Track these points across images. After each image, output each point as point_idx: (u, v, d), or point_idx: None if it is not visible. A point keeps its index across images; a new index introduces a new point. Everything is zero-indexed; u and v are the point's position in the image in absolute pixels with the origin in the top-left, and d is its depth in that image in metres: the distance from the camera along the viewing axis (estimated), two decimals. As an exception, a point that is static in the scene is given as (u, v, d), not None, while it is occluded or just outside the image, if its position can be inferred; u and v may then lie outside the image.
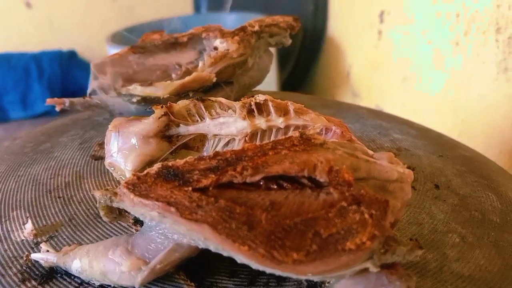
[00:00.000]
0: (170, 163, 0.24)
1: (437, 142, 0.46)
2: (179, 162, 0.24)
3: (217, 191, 0.23)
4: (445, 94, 0.97)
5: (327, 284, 0.24)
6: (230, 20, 1.73)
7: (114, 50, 1.36)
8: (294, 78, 1.66)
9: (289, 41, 0.48)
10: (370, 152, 0.26)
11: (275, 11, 1.62)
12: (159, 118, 0.30)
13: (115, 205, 0.25)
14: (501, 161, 0.82)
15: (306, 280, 0.26)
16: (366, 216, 0.21)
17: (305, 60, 1.65)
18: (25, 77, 1.87)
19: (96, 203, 0.31)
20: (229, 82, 0.45)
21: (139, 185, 0.23)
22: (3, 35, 1.87)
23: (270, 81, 1.50)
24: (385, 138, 0.43)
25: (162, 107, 0.30)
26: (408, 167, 0.38)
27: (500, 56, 0.79)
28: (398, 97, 1.17)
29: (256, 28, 0.44)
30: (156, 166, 0.24)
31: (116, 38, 1.49)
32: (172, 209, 0.22)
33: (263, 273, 0.25)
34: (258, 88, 0.54)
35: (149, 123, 0.30)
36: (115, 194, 0.24)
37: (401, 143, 0.43)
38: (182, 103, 0.31)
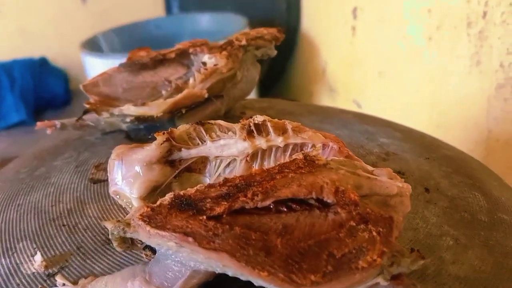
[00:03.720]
0: (181, 192, 0.25)
1: (421, 143, 0.48)
2: (191, 190, 0.25)
3: (231, 218, 0.24)
4: (420, 88, 0.99)
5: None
6: (204, 20, 1.73)
7: (88, 58, 1.34)
8: (270, 77, 1.67)
9: (275, 52, 0.49)
10: (370, 168, 0.27)
11: (247, 10, 1.63)
12: (161, 144, 0.30)
13: (128, 235, 0.25)
14: (477, 151, 0.85)
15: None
16: (374, 234, 0.23)
17: (280, 58, 1.66)
18: (-4, 87, 1.82)
19: (104, 231, 0.31)
20: (219, 96, 0.46)
21: (154, 216, 0.24)
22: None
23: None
24: (373, 143, 0.45)
25: (163, 133, 0.31)
26: (398, 172, 0.40)
27: (472, 50, 0.82)
28: (375, 92, 1.20)
29: (243, 42, 0.45)
30: (168, 196, 0.25)
31: (89, 44, 1.48)
32: (190, 239, 0.22)
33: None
34: None
35: (152, 150, 0.30)
36: (128, 225, 0.25)
37: (389, 148, 0.44)
38: (182, 128, 0.31)
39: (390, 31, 1.08)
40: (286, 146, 0.31)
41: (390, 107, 1.13)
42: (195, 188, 0.25)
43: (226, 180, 0.25)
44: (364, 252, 0.22)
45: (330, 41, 1.43)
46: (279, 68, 1.70)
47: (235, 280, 0.23)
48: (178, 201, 0.24)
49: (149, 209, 0.24)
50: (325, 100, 1.51)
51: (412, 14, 0.99)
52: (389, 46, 1.10)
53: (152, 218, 0.24)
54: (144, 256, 0.29)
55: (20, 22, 1.90)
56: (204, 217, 0.23)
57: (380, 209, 0.24)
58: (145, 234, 0.24)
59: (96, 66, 1.34)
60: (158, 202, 0.25)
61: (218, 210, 0.24)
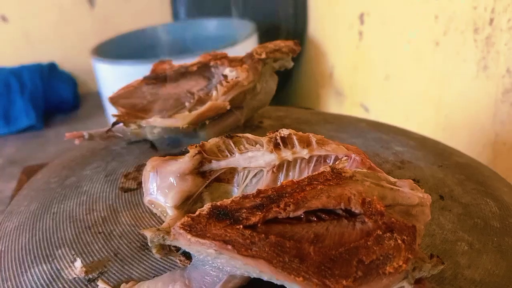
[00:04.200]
0: (218, 203, 0.27)
1: (434, 151, 0.49)
2: (227, 201, 0.27)
3: (265, 227, 0.26)
4: (427, 92, 1.01)
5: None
6: (211, 25, 1.75)
7: (99, 64, 1.37)
8: (278, 80, 1.69)
9: (291, 64, 0.51)
10: (393, 179, 0.29)
11: (254, 15, 1.65)
12: (193, 156, 0.32)
13: (168, 243, 0.27)
14: (484, 154, 0.87)
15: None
16: (399, 241, 0.25)
17: (287, 62, 1.68)
18: (6, 92, 1.85)
19: (138, 237, 0.33)
20: (239, 107, 0.48)
21: (195, 225, 0.26)
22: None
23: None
24: (388, 152, 0.47)
25: (196, 146, 0.33)
26: (414, 180, 0.41)
27: (479, 55, 0.84)
28: (382, 95, 1.22)
29: (263, 55, 0.47)
30: (206, 207, 0.27)
31: (99, 50, 1.50)
32: (229, 246, 0.24)
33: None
34: None
35: (185, 162, 0.32)
36: (168, 233, 0.27)
37: (403, 156, 0.46)
38: (212, 141, 0.33)
39: (397, 36, 1.10)
40: (310, 157, 0.33)
41: (396, 110, 1.15)
42: (230, 199, 0.27)
43: (259, 192, 0.27)
44: (391, 259, 0.24)
45: (337, 46, 1.44)
46: (286, 72, 1.72)
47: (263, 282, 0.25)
48: (216, 211, 0.26)
49: (189, 218, 0.26)
50: (332, 103, 1.53)
51: (419, 20, 1.01)
52: (396, 51, 1.11)
53: (192, 227, 0.26)
54: (179, 261, 0.31)
55: (25, 28, 1.93)
56: (241, 226, 0.25)
57: (403, 219, 0.26)
58: (186, 242, 0.26)
59: (106, 73, 1.36)
60: (197, 213, 0.27)
61: (254, 219, 0.26)
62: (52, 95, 1.91)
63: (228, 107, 0.44)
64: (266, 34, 1.63)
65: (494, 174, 0.49)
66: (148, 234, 0.28)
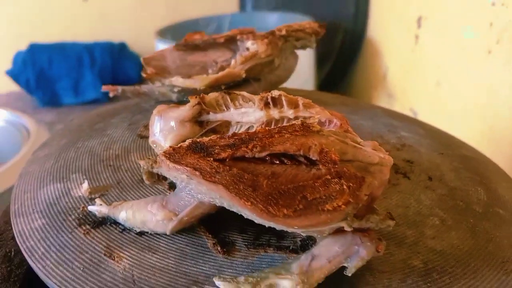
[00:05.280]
0: (198, 140, 0.31)
1: (443, 142, 0.51)
2: (205, 139, 0.31)
3: (232, 162, 0.29)
4: (475, 101, 0.99)
5: (317, 242, 0.30)
6: (273, 18, 1.79)
7: (161, 44, 1.45)
8: (331, 78, 1.71)
9: (314, 45, 0.54)
10: (359, 140, 0.32)
11: (316, 12, 1.68)
12: (193, 106, 0.37)
13: (155, 170, 0.32)
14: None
15: (300, 240, 0.32)
16: (345, 187, 0.27)
17: (343, 61, 1.70)
18: (77, 66, 1.99)
19: (140, 170, 0.38)
20: (257, 79, 0.51)
21: (174, 154, 0.30)
22: (60, 26, 2.00)
23: (308, 80, 1.56)
24: (392, 135, 0.49)
25: (196, 97, 0.37)
26: (408, 161, 0.44)
27: (530, 67, 0.82)
28: (431, 101, 1.20)
29: (283, 32, 0.50)
30: (187, 141, 0.31)
31: (164, 33, 1.59)
32: (197, 173, 0.28)
33: (266, 231, 0.31)
34: (294, 86, 0.61)
35: (185, 110, 0.37)
36: (155, 162, 0.32)
37: (407, 140, 0.48)
38: (212, 95, 0.37)
39: (451, 42, 1.08)
40: (296, 118, 0.36)
41: (444, 118, 1.13)
42: (209, 137, 0.31)
43: (234, 134, 0.31)
44: (332, 199, 0.27)
45: (393, 48, 1.44)
46: (341, 70, 1.73)
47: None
48: (194, 145, 0.30)
49: (171, 148, 0.31)
50: (382, 105, 1.52)
51: (474, 26, 0.99)
52: (449, 57, 1.10)
53: (172, 155, 0.30)
54: (168, 193, 0.35)
55: (102, 8, 2.06)
56: (211, 158, 0.29)
57: (357, 171, 0.29)
58: (166, 168, 0.30)
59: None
60: (179, 145, 0.31)
61: (223, 155, 0.29)
62: (120, 73, 2.03)
63: (244, 76, 0.48)
64: (326, 31, 1.64)
65: (499, 171, 0.49)
66: (141, 162, 0.32)
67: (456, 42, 1.06)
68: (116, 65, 2.03)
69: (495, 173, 0.47)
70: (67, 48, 2.00)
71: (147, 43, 2.07)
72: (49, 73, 1.97)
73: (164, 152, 0.30)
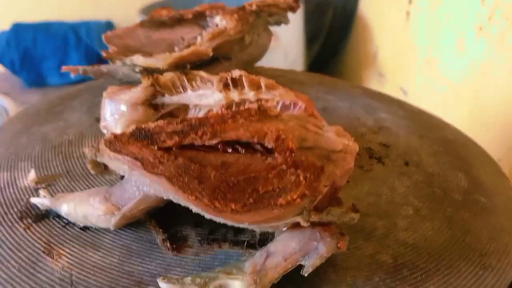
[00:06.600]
0: (143, 125, 0.28)
1: (423, 123, 0.48)
2: (151, 124, 0.28)
3: (179, 151, 0.26)
4: (466, 80, 0.96)
5: (274, 237, 0.28)
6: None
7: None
8: (321, 58, 1.66)
9: (289, 21, 0.50)
10: (321, 124, 0.29)
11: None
12: (146, 87, 0.34)
13: (98, 159, 0.29)
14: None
15: (260, 234, 0.29)
16: (301, 178, 0.25)
17: (333, 39, 1.65)
18: (63, 45, 1.94)
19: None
20: (228, 58, 0.48)
21: (115, 142, 0.27)
22: (44, 5, 1.94)
23: (296, 60, 1.52)
24: (369, 117, 0.46)
25: (149, 77, 0.34)
26: (384, 145, 0.41)
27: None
28: (421, 80, 1.17)
29: (254, 7, 0.47)
30: (132, 127, 0.28)
31: (149, 11, 1.54)
32: (138, 163, 0.26)
33: (223, 225, 0.29)
34: (282, 66, 0.57)
35: (137, 92, 0.34)
36: (99, 150, 0.29)
37: (385, 122, 0.45)
38: (167, 75, 0.34)
39: (442, 19, 1.05)
40: (258, 101, 0.33)
41: (434, 97, 1.10)
42: (156, 122, 0.28)
43: (183, 119, 0.28)
44: (286, 192, 0.24)
45: (384, 25, 1.40)
46: (332, 49, 1.69)
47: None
48: (138, 132, 0.27)
49: (113, 136, 0.28)
50: (373, 85, 1.49)
51: (466, 2, 0.96)
52: (440, 34, 1.07)
53: (113, 143, 0.27)
54: (120, 179, 0.32)
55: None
56: (155, 147, 0.26)
57: (317, 160, 0.26)
58: (107, 157, 0.27)
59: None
60: (122, 131, 0.28)
61: (169, 143, 0.27)
62: (106, 52, 1.99)
63: (211, 54, 0.44)
64: (316, 8, 1.60)
65: (484, 154, 0.46)
66: (85, 150, 0.29)
67: (447, 18, 1.03)
68: (102, 44, 1.98)
69: (478, 157, 0.44)
70: (52, 28, 1.95)
71: (134, 21, 2.01)
72: (34, 53, 1.91)
73: (104, 139, 0.27)
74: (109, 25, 2.05)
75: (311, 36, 1.57)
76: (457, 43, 1.00)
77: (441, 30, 1.06)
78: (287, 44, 1.38)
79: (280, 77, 0.55)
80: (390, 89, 1.36)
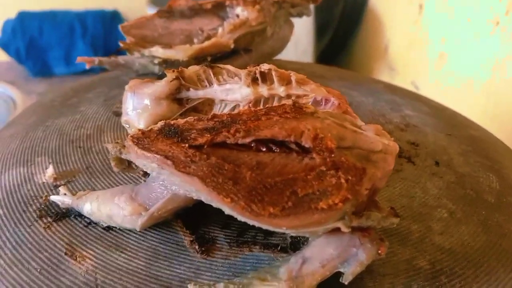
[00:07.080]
0: (172, 122, 0.27)
1: (448, 121, 0.46)
2: (181, 121, 0.27)
3: (211, 149, 0.25)
4: (479, 76, 0.95)
5: (309, 241, 0.26)
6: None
7: (151, 10, 1.39)
8: (331, 49, 1.64)
9: (311, 13, 0.49)
10: (359, 123, 0.27)
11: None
12: (170, 81, 0.32)
13: (123, 156, 0.27)
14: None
15: (291, 237, 0.28)
16: (342, 180, 0.23)
17: (343, 31, 1.63)
18: (69, 35, 1.93)
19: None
20: (248, 50, 0.46)
21: (143, 139, 0.26)
22: (50, -7, 1.92)
23: (306, 52, 1.50)
24: (395, 114, 0.44)
25: (173, 71, 0.32)
26: (412, 143, 0.39)
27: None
28: (433, 75, 1.16)
29: (277, -3, 0.45)
30: (160, 124, 0.27)
31: (156, 0, 1.52)
32: (169, 162, 0.24)
33: (252, 227, 0.27)
34: (291, 58, 0.56)
35: (161, 86, 0.32)
36: (124, 146, 0.27)
37: (411, 120, 0.44)
38: (192, 69, 0.33)
39: (457, 12, 1.03)
40: (288, 96, 0.31)
41: (446, 93, 1.09)
42: (185, 119, 0.27)
43: (214, 116, 0.26)
44: (328, 195, 0.23)
45: (396, 18, 1.38)
46: (341, 41, 1.66)
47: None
48: (167, 129, 0.26)
49: (140, 132, 0.26)
50: (383, 79, 1.47)
51: (481, -3, 0.94)
52: (454, 28, 1.05)
53: (140, 140, 0.26)
54: (143, 181, 0.31)
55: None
56: (187, 145, 0.25)
57: (357, 161, 0.25)
58: (134, 154, 0.26)
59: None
60: (149, 128, 0.26)
61: (201, 140, 0.25)
62: (112, 41, 1.96)
63: (232, 46, 0.43)
64: (326, 1, 1.58)
65: (510, 153, 0.45)
66: (109, 146, 0.28)
67: (462, 12, 1.00)
68: (108, 34, 1.97)
69: (506, 156, 0.43)
70: (58, 16, 1.93)
71: (140, 11, 2.00)
72: (40, 42, 1.90)
73: (131, 136, 0.26)
74: (115, 15, 2.03)
75: (321, 28, 1.55)
76: (472, 38, 0.98)
77: (456, 24, 1.03)
78: (297, 35, 1.36)
79: (300, 70, 0.53)
80: (401, 83, 1.34)
